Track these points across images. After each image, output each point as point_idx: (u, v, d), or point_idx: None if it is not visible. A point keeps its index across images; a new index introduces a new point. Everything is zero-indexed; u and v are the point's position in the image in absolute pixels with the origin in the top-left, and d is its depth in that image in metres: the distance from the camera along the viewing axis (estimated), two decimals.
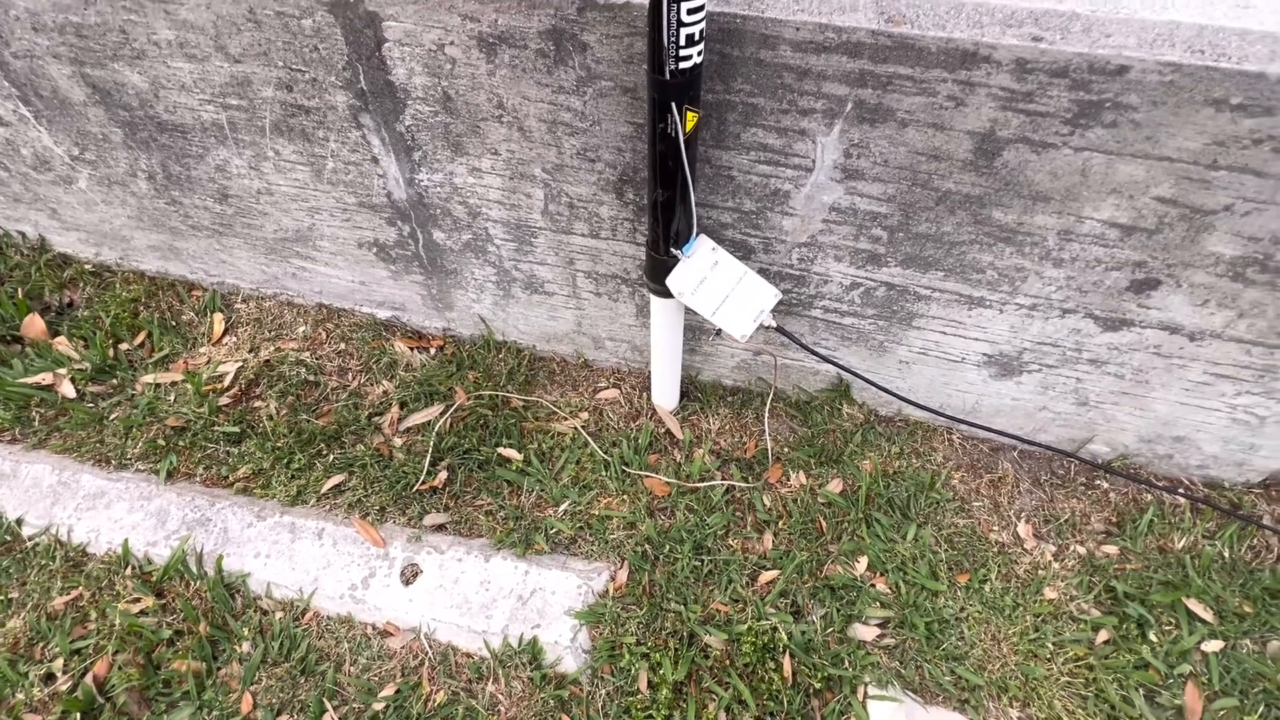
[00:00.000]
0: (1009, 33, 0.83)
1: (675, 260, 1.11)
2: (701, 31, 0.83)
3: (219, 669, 1.18)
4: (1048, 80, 0.85)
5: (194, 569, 1.27)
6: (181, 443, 1.44)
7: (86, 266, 1.77)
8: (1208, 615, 1.22)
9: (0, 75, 1.32)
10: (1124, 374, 1.22)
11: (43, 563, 1.28)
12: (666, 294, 1.15)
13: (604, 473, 1.40)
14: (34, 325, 1.62)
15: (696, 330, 1.43)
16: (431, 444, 1.42)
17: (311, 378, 1.57)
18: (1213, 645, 1.19)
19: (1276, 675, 1.16)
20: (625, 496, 1.37)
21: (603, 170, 1.14)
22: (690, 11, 0.80)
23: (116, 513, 1.33)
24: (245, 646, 1.20)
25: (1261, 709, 1.13)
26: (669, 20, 0.81)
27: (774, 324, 1.18)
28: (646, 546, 1.30)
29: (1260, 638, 1.21)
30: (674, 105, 0.89)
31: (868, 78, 0.91)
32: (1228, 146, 0.86)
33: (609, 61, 0.98)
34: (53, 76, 1.29)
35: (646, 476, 1.39)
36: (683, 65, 0.85)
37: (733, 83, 0.96)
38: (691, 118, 0.92)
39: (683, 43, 0.83)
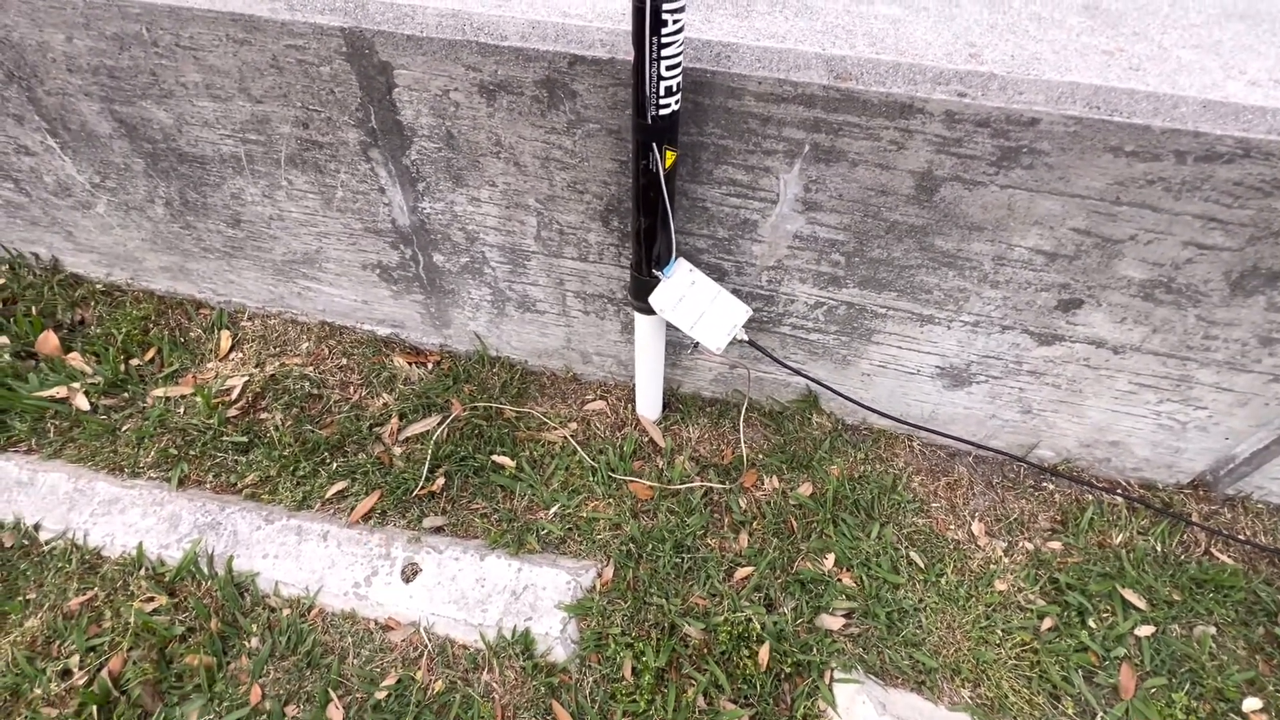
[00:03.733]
0: (938, 89, 0.97)
1: (657, 280, 1.23)
2: (678, 84, 0.96)
3: (229, 663, 1.26)
4: (973, 129, 0.99)
5: (205, 570, 1.35)
6: (192, 452, 1.53)
7: (98, 286, 1.86)
8: (1141, 603, 1.34)
9: (32, 109, 1.42)
10: (1060, 384, 1.36)
11: (59, 565, 1.36)
12: (649, 311, 1.27)
13: (591, 478, 1.50)
14: (48, 342, 1.70)
15: (677, 346, 1.55)
16: (430, 452, 1.52)
17: (315, 391, 1.66)
18: (1145, 630, 1.31)
19: (1201, 656, 1.28)
20: (611, 500, 1.47)
21: (590, 201, 1.26)
22: (669, 68, 0.93)
23: (130, 518, 1.41)
24: (254, 641, 1.27)
25: (1188, 686, 1.25)
26: (650, 75, 0.94)
27: (746, 338, 1.30)
28: (631, 545, 1.40)
29: (1187, 623, 1.33)
30: (655, 145, 1.02)
31: (821, 124, 1.04)
32: (1127, 186, 1.01)
33: (596, 107, 1.11)
34: (82, 112, 1.39)
35: (631, 481, 1.50)
36: (663, 112, 0.98)
37: (705, 126, 1.09)
38: (670, 156, 1.05)
39: (662, 93, 0.96)
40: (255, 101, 1.27)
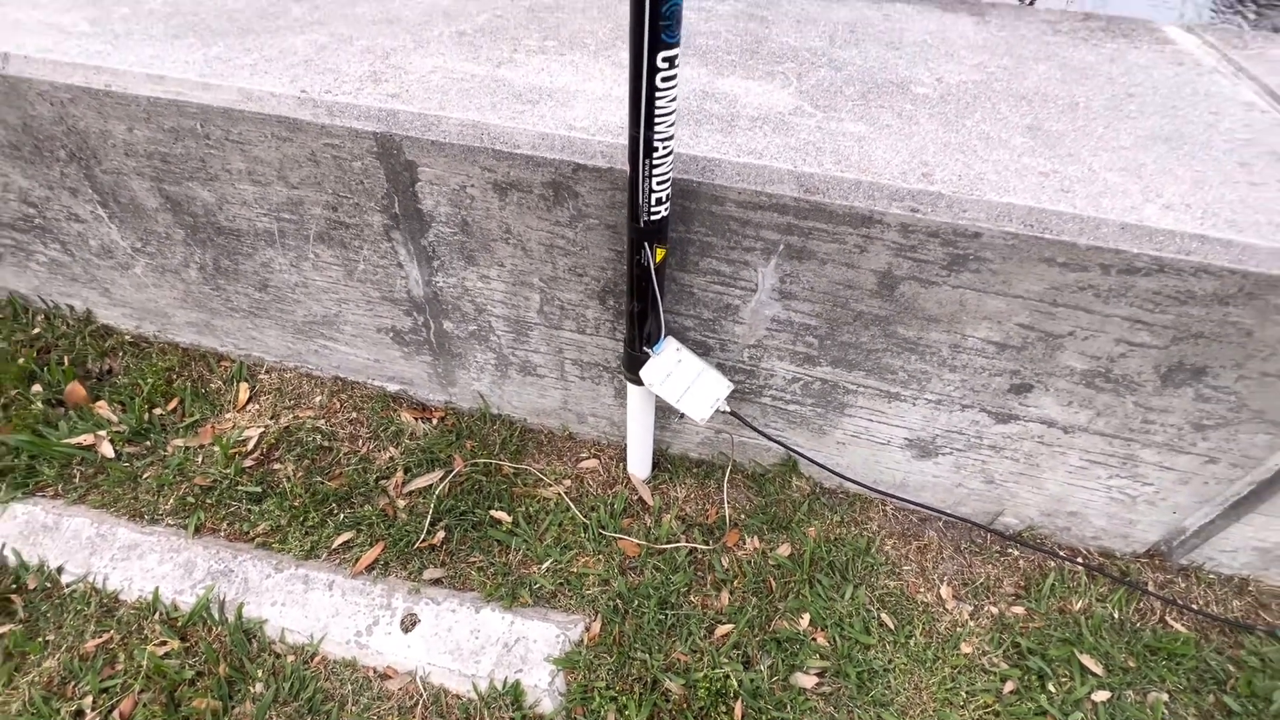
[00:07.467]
0: (894, 205, 1.12)
1: (647, 356, 1.35)
2: (668, 195, 1.11)
3: (234, 707, 1.33)
4: (926, 238, 1.13)
5: (216, 615, 1.43)
6: (208, 500, 1.62)
7: (126, 338, 1.98)
8: (1098, 669, 1.42)
9: (87, 185, 1.57)
10: (1019, 458, 1.47)
11: (79, 608, 1.44)
12: (640, 383, 1.39)
13: (583, 534, 1.59)
14: (76, 391, 1.82)
15: (666, 411, 1.66)
16: (432, 506, 1.61)
17: (326, 443, 1.77)
18: (1101, 695, 1.39)
19: None
20: (601, 556, 1.56)
21: (589, 282, 1.40)
22: (659, 183, 1.08)
23: (148, 563, 1.50)
24: (259, 687, 1.35)
25: None
26: (643, 189, 1.08)
27: (728, 409, 1.42)
28: (618, 601, 1.48)
29: (1141, 689, 1.40)
30: (646, 244, 1.16)
31: (794, 228, 1.18)
32: (1061, 290, 1.14)
33: (596, 206, 1.25)
34: (133, 188, 1.54)
35: (620, 538, 1.59)
36: (654, 217, 1.12)
37: (692, 225, 1.24)
38: (660, 252, 1.19)
39: (653, 203, 1.10)
40: (291, 187, 1.41)
